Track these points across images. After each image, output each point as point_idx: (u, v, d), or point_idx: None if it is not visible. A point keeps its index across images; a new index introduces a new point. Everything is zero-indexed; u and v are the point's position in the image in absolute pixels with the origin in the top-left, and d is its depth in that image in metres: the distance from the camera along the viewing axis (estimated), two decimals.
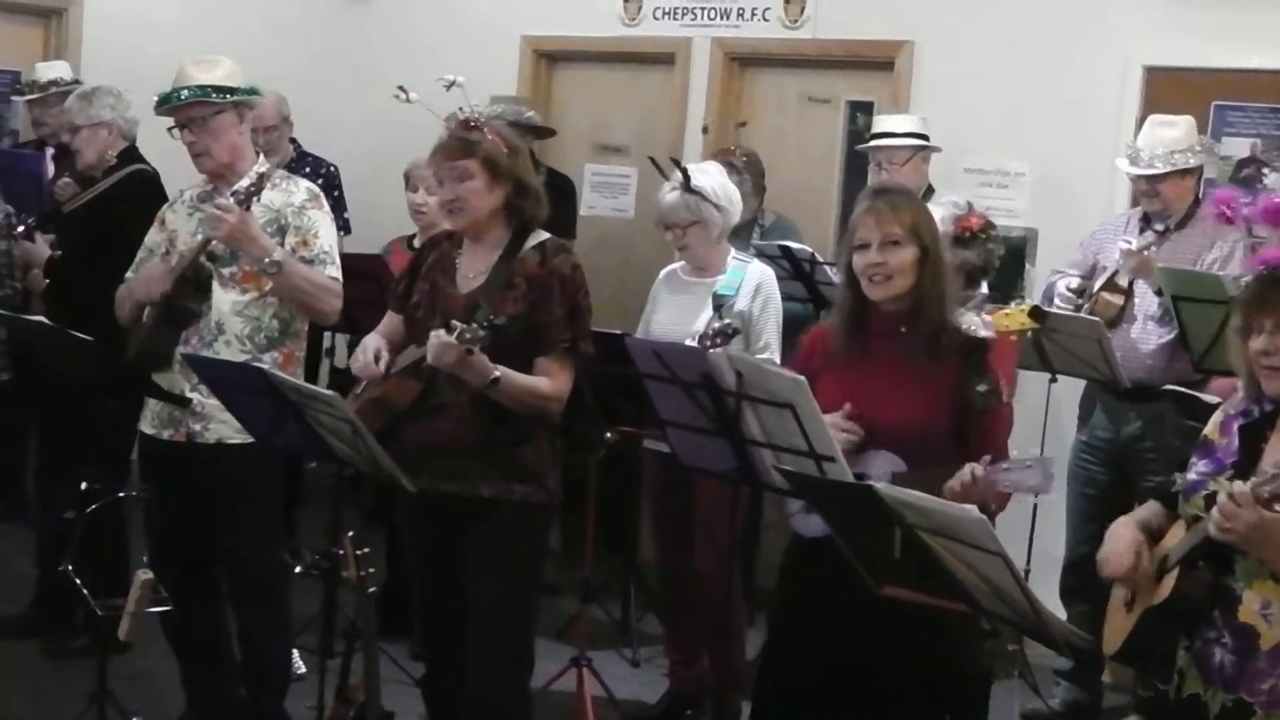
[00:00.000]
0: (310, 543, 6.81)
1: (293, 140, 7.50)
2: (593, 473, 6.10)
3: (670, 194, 5.61)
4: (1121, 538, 3.75)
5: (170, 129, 4.93)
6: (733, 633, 5.75)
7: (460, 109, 4.42)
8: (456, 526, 4.42)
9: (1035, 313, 5.11)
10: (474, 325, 4.06)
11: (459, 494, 4.36)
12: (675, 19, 8.11)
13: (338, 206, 7.23)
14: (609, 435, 5.72)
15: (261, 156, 5.08)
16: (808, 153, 7.85)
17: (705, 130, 7.77)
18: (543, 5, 8.56)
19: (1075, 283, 6.04)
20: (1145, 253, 5.72)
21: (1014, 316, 5.10)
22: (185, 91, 4.85)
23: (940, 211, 5.07)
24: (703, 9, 8.00)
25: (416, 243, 6.41)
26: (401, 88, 4.64)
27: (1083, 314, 5.86)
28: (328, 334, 6.98)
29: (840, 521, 3.48)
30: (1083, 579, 6.09)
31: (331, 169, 7.58)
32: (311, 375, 6.27)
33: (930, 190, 6.41)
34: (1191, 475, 3.60)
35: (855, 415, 3.89)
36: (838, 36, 7.60)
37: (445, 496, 4.35)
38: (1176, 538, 3.62)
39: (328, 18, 9.26)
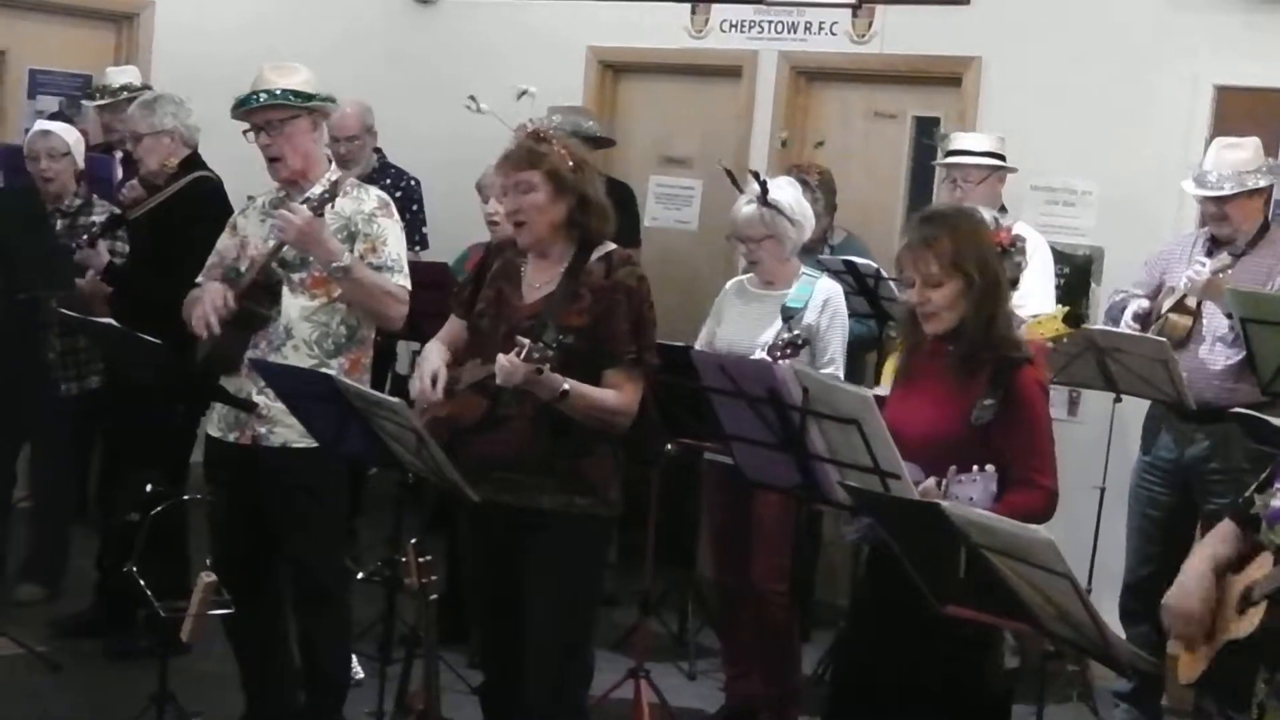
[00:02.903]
0: (370, 549, 6.84)
1: (377, 150, 7.53)
2: (653, 485, 6.09)
3: (747, 207, 5.61)
4: (1192, 589, 3.67)
5: (245, 132, 4.96)
6: (790, 647, 5.74)
7: (530, 120, 4.43)
8: (516, 537, 4.42)
9: (1069, 318, 5.07)
10: (541, 344, 4.06)
11: (519, 505, 4.36)
12: (742, 32, 8.11)
13: (415, 221, 7.25)
14: (669, 447, 5.73)
15: (333, 165, 5.10)
16: (873, 167, 7.83)
17: (784, 144, 7.76)
18: (610, 16, 8.56)
19: (1145, 304, 5.99)
20: (1218, 275, 5.67)
21: (1048, 324, 5.08)
22: (263, 95, 4.88)
23: None
24: (770, 22, 7.99)
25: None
26: (472, 97, 4.66)
27: (1149, 334, 5.82)
28: (390, 341, 7.01)
29: (904, 539, 3.47)
30: (1143, 600, 6.04)
31: (412, 182, 7.59)
32: (379, 383, 6.30)
33: (1002, 210, 6.37)
34: (1276, 502, 3.56)
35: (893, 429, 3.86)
36: (905, 52, 7.58)
37: (505, 507, 4.35)
38: (1263, 569, 3.56)
39: (396, 27, 9.31)
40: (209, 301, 4.83)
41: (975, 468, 3.72)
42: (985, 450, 3.82)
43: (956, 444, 3.85)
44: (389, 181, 7.23)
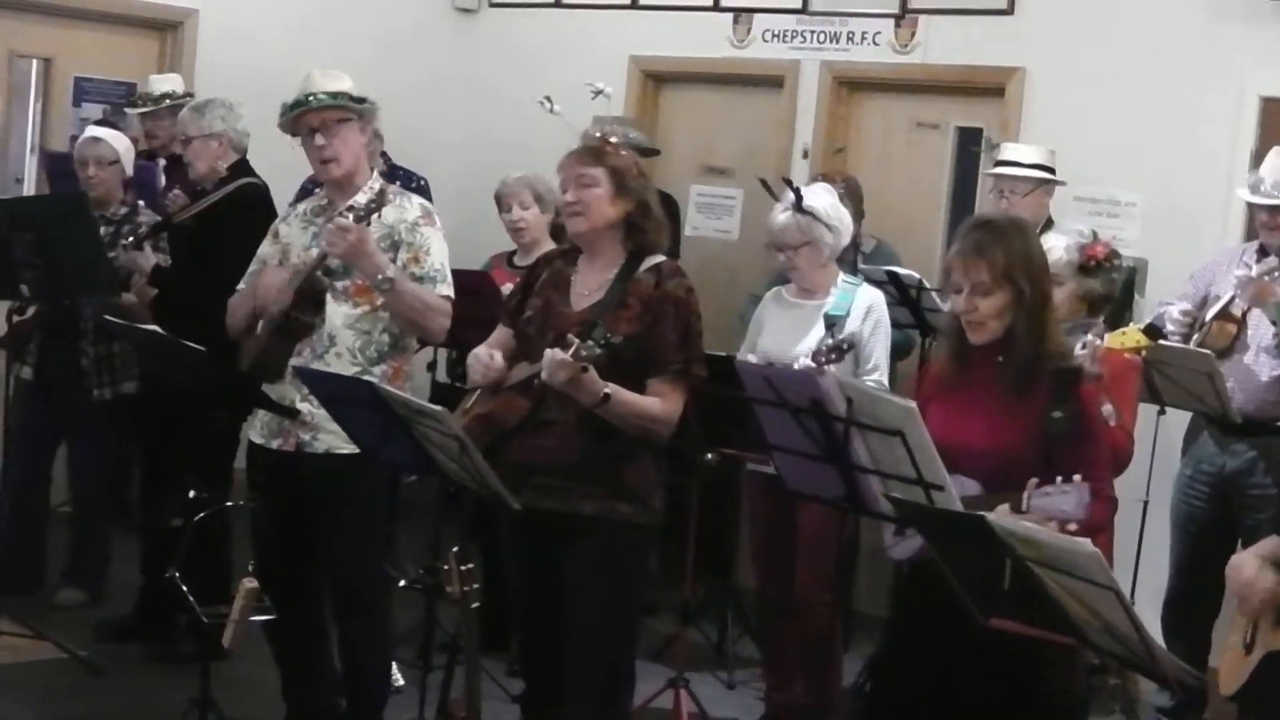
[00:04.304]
0: (408, 556, 6.84)
1: (383, 154, 7.55)
2: (693, 494, 6.09)
3: (782, 215, 5.61)
4: (1244, 569, 3.68)
5: (296, 135, 4.97)
6: (831, 657, 5.72)
7: (600, 127, 4.47)
8: (558, 544, 4.42)
9: (1150, 330, 5.06)
10: (589, 342, 4.07)
11: (561, 511, 4.36)
12: (784, 41, 8.09)
13: None
14: (710, 456, 5.73)
15: (375, 172, 5.12)
16: (915, 178, 7.81)
17: (805, 155, 7.76)
18: (652, 26, 8.57)
19: (1188, 305, 5.96)
20: (1266, 279, 5.64)
21: (1130, 336, 5.06)
22: (321, 95, 4.90)
23: (1064, 240, 5.05)
24: (812, 32, 7.98)
25: (516, 259, 6.45)
26: (547, 97, 4.67)
27: (1193, 345, 5.79)
28: (430, 348, 7.01)
29: (948, 551, 3.45)
30: (1185, 615, 6.03)
31: (422, 182, 7.61)
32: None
33: (1050, 222, 6.33)
34: None
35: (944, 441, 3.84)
36: (948, 62, 7.55)
37: (547, 514, 4.35)
38: None
39: (437, 36, 9.32)
40: (273, 284, 4.86)
41: (1059, 479, 3.67)
42: (1047, 463, 3.80)
43: (1018, 458, 3.82)
44: (398, 183, 7.23)
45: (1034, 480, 3.69)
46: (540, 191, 6.36)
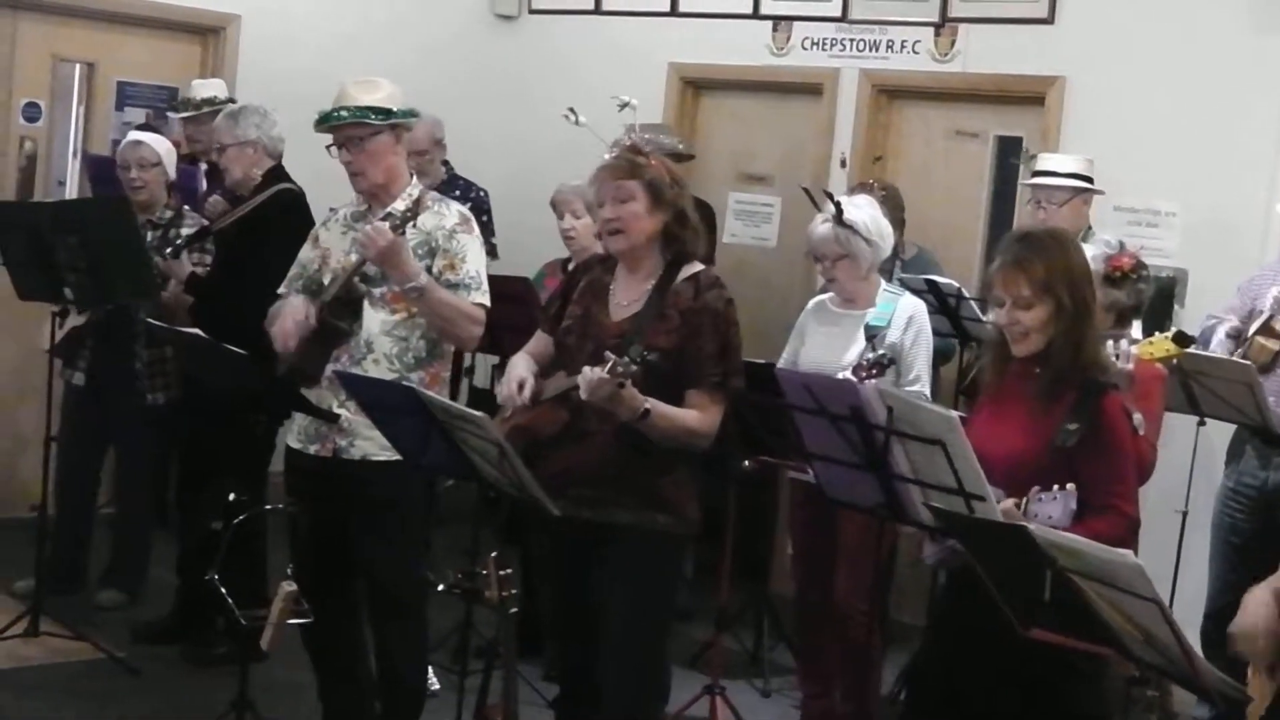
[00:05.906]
0: (445, 561, 6.87)
1: (445, 163, 7.58)
2: (730, 501, 6.09)
3: (821, 226, 5.61)
4: (1254, 613, 3.66)
5: (328, 146, 4.99)
6: (869, 666, 5.71)
7: (630, 135, 4.47)
8: (594, 553, 4.43)
9: (1180, 338, 5.04)
10: (626, 359, 4.06)
11: (597, 520, 4.37)
12: (824, 50, 8.09)
13: (486, 231, 7.29)
14: (746, 464, 5.73)
15: (415, 178, 5.12)
16: (954, 186, 7.80)
17: (844, 164, 7.75)
18: (691, 33, 8.58)
19: (1235, 324, 5.93)
20: None
21: (1159, 345, 5.04)
22: (345, 112, 4.90)
23: (1091, 250, 5.03)
24: (852, 40, 7.98)
25: (570, 266, 6.45)
26: (571, 109, 4.69)
27: (1235, 357, 5.75)
28: (468, 354, 7.04)
29: (989, 561, 3.45)
30: (1225, 629, 5.97)
31: (481, 193, 7.63)
32: (452, 395, 6.32)
33: (1090, 231, 6.32)
34: None
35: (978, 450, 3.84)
36: (988, 71, 7.54)
37: (583, 522, 4.36)
38: None
39: (478, 41, 9.35)
40: (290, 318, 4.87)
41: (1055, 486, 3.69)
42: (1068, 475, 3.79)
43: (1040, 468, 3.82)
44: (458, 193, 7.26)
45: (1035, 487, 3.71)
46: (591, 201, 6.36)
